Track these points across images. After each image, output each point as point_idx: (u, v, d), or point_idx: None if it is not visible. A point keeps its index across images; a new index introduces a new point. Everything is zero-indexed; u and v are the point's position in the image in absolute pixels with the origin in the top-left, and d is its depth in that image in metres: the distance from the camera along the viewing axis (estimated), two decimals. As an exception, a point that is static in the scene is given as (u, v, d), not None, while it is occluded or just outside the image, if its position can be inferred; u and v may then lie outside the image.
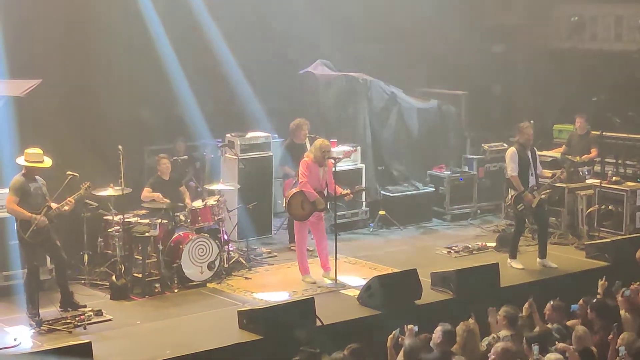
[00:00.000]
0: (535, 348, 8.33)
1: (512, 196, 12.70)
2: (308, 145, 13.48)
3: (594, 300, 9.77)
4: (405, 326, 8.86)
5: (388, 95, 15.83)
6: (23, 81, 12.40)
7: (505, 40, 18.74)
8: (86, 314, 10.57)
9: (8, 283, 11.47)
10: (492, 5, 18.76)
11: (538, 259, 12.84)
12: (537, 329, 9.40)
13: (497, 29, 18.54)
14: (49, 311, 10.69)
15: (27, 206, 10.69)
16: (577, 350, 8.53)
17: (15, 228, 10.85)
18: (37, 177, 10.91)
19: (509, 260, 12.79)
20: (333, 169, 12.12)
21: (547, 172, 13.19)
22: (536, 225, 13.33)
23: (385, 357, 8.87)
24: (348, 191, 12.32)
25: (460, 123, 16.81)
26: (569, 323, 9.68)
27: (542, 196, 12.87)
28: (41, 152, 10.88)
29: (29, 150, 10.84)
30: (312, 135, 13.53)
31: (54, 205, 10.86)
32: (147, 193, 12.47)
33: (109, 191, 11.90)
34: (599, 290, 10.41)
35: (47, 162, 10.89)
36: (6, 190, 11.07)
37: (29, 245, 10.74)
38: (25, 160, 10.79)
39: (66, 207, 10.85)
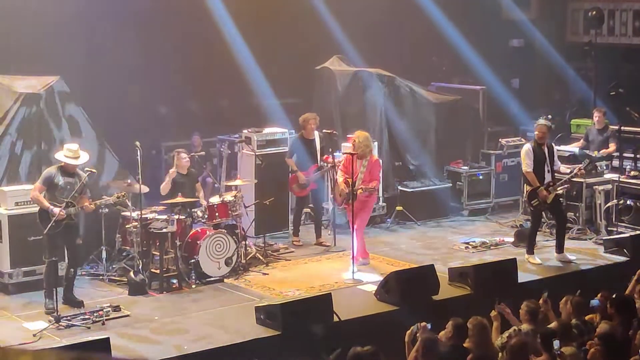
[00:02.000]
0: (556, 343, 8.32)
1: (526, 192, 12.70)
2: (317, 139, 13.57)
3: (614, 296, 9.73)
4: (419, 323, 8.87)
5: (405, 90, 15.79)
6: (41, 78, 12.46)
7: (523, 35, 18.68)
8: (104, 310, 10.61)
9: (27, 279, 11.52)
10: (509, -1, 18.72)
11: (555, 254, 12.82)
12: (554, 323, 9.36)
13: (515, 24, 18.48)
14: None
15: (52, 198, 10.78)
16: (599, 336, 8.48)
17: (37, 218, 10.94)
18: (78, 171, 10.96)
19: (526, 256, 12.76)
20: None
21: (565, 168, 13.13)
22: (554, 221, 13.29)
23: (403, 353, 8.86)
24: (361, 187, 12.37)
25: (478, 118, 16.76)
26: (587, 318, 9.65)
27: (559, 191, 12.84)
28: (76, 148, 10.97)
29: (67, 145, 11.03)
30: (329, 131, 13.55)
31: (85, 202, 10.92)
32: (166, 187, 12.44)
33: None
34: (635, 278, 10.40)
35: (82, 158, 10.96)
36: (22, 187, 11.37)
37: (48, 238, 10.80)
38: (64, 155, 10.91)
39: (88, 207, 10.93)
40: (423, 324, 8.78)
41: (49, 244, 10.85)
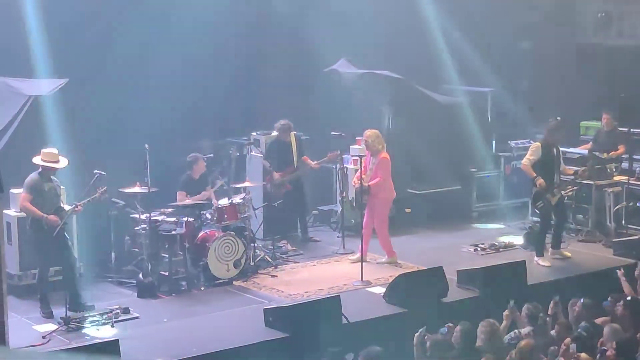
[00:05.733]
0: (573, 346, 8.34)
1: (532, 194, 12.70)
2: (293, 141, 13.83)
3: (628, 298, 9.72)
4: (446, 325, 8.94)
5: (413, 92, 15.76)
6: (49, 80, 12.49)
7: (531, 36, 18.63)
8: (114, 312, 10.62)
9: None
10: (518, 1, 18.65)
11: (550, 249, 12.82)
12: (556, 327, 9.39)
13: (523, 26, 18.43)
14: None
15: (40, 205, 10.73)
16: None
17: (27, 227, 10.92)
18: (53, 177, 10.94)
19: (535, 258, 12.73)
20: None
21: (570, 170, 13.13)
22: (555, 219, 13.24)
23: (411, 355, 8.86)
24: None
25: (487, 120, 16.72)
26: (597, 321, 9.64)
27: (569, 193, 12.84)
28: (57, 152, 10.91)
29: (45, 150, 10.88)
30: (337, 133, 13.57)
31: (66, 207, 10.91)
32: (182, 197, 12.46)
33: (136, 189, 11.95)
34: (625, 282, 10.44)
35: (62, 162, 10.91)
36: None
37: (39, 245, 10.79)
38: (42, 160, 10.84)
39: (77, 210, 10.90)
40: (450, 325, 8.88)
41: (40, 249, 10.85)
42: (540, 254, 12.81)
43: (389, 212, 13.22)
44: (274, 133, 14.33)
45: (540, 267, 12.61)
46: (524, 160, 12.82)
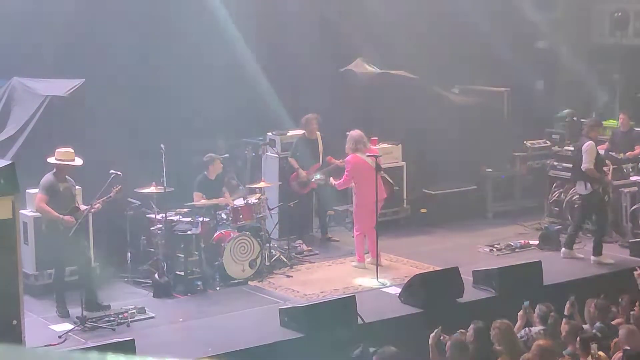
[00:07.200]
0: (594, 346, 8.33)
1: (601, 187, 12.67)
2: (319, 140, 13.84)
3: None
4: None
5: (429, 93, 15.75)
6: (66, 81, 12.53)
7: (547, 36, 18.58)
8: (129, 312, 10.65)
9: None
10: (534, 1, 18.61)
11: (593, 257, 12.74)
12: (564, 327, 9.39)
13: (539, 25, 18.39)
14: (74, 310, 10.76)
15: (56, 206, 10.75)
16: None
17: (43, 227, 10.96)
18: (68, 177, 10.98)
19: (594, 258, 12.68)
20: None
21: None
22: (597, 222, 13.18)
23: (427, 356, 8.85)
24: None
25: (503, 120, 16.68)
26: (613, 322, 9.61)
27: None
28: (72, 151, 10.93)
29: (60, 149, 10.91)
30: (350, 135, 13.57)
31: (82, 207, 10.95)
32: (199, 198, 12.48)
33: (152, 189, 11.97)
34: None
35: (78, 161, 10.95)
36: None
37: (55, 245, 10.83)
38: (56, 159, 10.87)
39: (92, 210, 10.94)
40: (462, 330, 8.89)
41: (59, 251, 10.88)
42: (599, 252, 12.75)
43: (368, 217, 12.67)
44: (291, 133, 14.34)
45: (555, 267, 12.47)
46: (589, 165, 12.64)
